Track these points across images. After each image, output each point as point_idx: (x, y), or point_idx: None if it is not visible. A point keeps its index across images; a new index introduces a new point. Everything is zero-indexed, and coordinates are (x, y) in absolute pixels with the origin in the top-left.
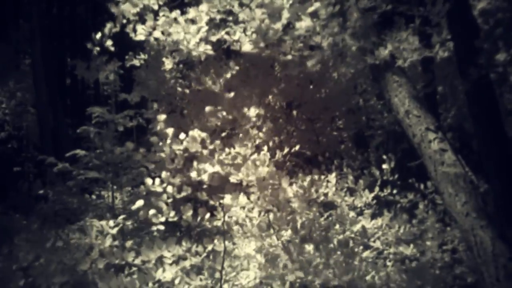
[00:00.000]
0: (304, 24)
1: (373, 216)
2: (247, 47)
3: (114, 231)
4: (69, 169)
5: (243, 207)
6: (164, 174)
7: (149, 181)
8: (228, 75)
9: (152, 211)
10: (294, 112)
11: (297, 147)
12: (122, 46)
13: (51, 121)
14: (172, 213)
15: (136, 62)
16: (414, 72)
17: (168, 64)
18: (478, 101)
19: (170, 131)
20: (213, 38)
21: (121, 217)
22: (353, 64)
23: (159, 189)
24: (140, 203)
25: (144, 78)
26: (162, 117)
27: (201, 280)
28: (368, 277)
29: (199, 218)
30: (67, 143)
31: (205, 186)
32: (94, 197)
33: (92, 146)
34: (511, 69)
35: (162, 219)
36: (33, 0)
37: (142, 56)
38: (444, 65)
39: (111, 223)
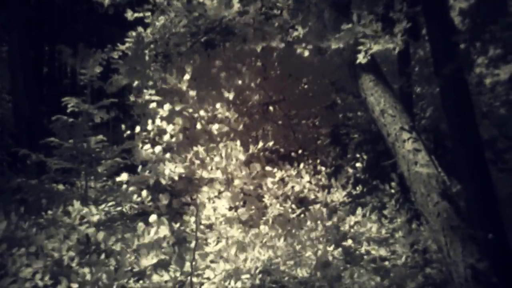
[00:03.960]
0: None
1: (346, 214)
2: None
3: (95, 218)
4: (43, 160)
5: (215, 199)
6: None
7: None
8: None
9: (132, 188)
10: (271, 108)
11: (270, 143)
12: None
13: (26, 109)
14: (149, 197)
15: (115, 55)
16: (390, 71)
17: (149, 55)
18: (452, 102)
19: (166, 107)
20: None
21: (103, 206)
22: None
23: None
24: (124, 177)
25: (128, 64)
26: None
27: (170, 272)
28: (338, 274)
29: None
30: (42, 131)
31: (179, 179)
32: (68, 186)
33: (67, 136)
34: (486, 71)
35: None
36: None
37: (121, 47)
38: (422, 66)
39: (94, 209)
